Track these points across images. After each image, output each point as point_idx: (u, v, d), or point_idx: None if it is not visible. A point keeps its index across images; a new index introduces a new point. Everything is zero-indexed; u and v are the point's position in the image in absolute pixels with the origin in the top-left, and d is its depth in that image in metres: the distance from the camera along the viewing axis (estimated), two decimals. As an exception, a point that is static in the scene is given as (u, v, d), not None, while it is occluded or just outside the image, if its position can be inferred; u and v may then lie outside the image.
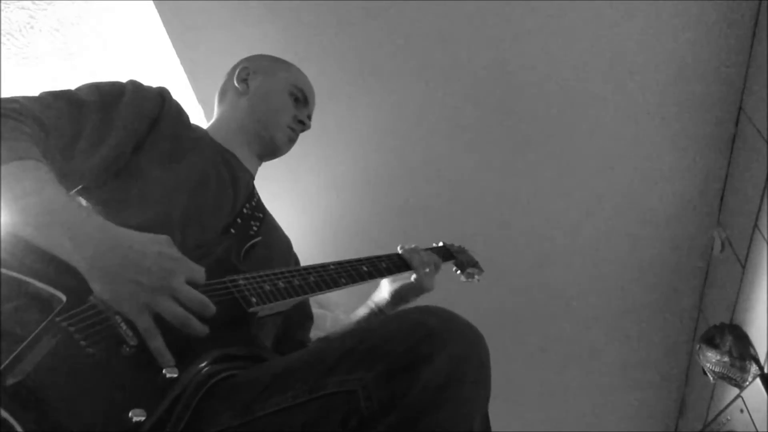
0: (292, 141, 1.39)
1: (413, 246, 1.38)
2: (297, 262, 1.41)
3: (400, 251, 1.34)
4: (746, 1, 1.91)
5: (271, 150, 1.36)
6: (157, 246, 0.84)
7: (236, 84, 1.37)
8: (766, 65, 1.92)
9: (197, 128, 1.28)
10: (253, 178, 1.34)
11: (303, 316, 1.38)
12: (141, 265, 0.80)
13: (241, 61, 1.43)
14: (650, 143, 2.27)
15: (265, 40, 1.98)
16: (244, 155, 1.31)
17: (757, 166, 2.04)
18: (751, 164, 2.11)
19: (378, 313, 1.37)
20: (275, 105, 1.34)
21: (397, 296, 1.35)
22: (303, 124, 1.38)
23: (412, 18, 1.99)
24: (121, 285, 0.78)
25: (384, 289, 1.38)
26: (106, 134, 1.05)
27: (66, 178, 1.00)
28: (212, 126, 1.36)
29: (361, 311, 1.39)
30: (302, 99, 1.38)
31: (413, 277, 1.33)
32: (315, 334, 1.44)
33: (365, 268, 1.20)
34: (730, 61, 2.04)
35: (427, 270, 1.34)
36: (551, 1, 1.94)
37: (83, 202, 1.03)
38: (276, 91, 1.35)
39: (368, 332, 0.81)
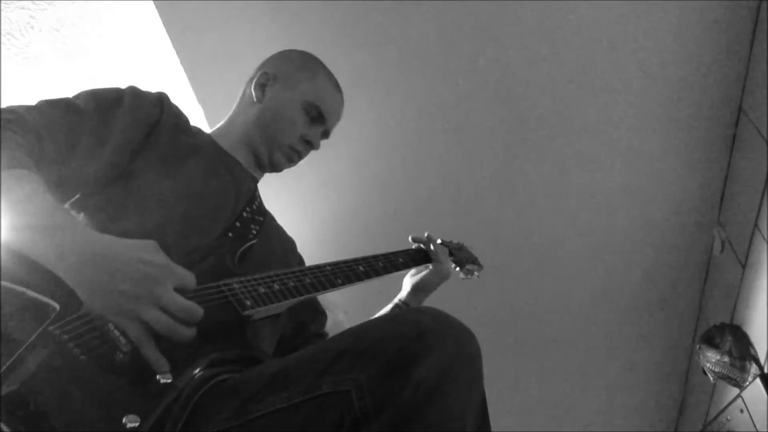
0: (292, 161, 1.33)
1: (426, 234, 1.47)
2: (301, 262, 1.40)
3: (413, 243, 1.42)
4: (746, 0, 1.91)
5: (269, 167, 1.33)
6: (141, 253, 0.83)
7: (252, 90, 1.32)
8: (766, 65, 1.92)
9: (199, 132, 1.27)
10: (256, 182, 1.33)
11: (315, 313, 1.39)
12: (124, 274, 0.79)
13: (269, 61, 1.37)
14: (650, 143, 2.27)
15: (266, 41, 1.99)
16: (246, 161, 1.30)
17: (757, 166, 2.04)
18: (751, 164, 2.11)
19: (402, 307, 1.40)
20: (283, 122, 1.28)
21: (418, 287, 1.40)
22: (310, 145, 1.33)
23: (414, 18, 1.99)
24: (106, 295, 0.78)
25: (406, 283, 1.44)
26: (104, 142, 1.05)
27: (63, 186, 1.01)
28: (220, 128, 1.34)
29: (387, 308, 1.43)
30: (317, 117, 1.31)
31: (431, 265, 1.39)
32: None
33: (362, 268, 1.20)
34: (730, 61, 2.04)
35: (442, 257, 1.41)
36: (553, 1, 1.94)
37: (79, 210, 1.03)
38: (288, 107, 1.28)
39: (362, 332, 0.81)
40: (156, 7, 1.92)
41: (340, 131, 2.21)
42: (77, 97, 1.08)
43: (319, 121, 1.32)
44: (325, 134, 1.37)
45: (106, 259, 0.80)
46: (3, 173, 0.84)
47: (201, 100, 2.12)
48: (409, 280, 1.43)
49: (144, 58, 2.04)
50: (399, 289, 1.48)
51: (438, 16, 1.98)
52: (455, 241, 1.63)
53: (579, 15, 1.98)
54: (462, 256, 1.58)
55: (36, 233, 0.81)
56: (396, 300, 1.43)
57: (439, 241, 1.56)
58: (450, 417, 0.73)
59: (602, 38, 2.03)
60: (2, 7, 1.68)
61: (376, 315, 1.39)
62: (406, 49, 2.07)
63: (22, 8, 1.71)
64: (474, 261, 1.60)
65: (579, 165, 2.34)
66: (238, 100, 1.37)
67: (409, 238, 1.47)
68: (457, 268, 1.57)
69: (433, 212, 2.47)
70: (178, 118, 1.21)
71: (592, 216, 2.48)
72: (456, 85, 2.15)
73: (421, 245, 1.45)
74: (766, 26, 1.90)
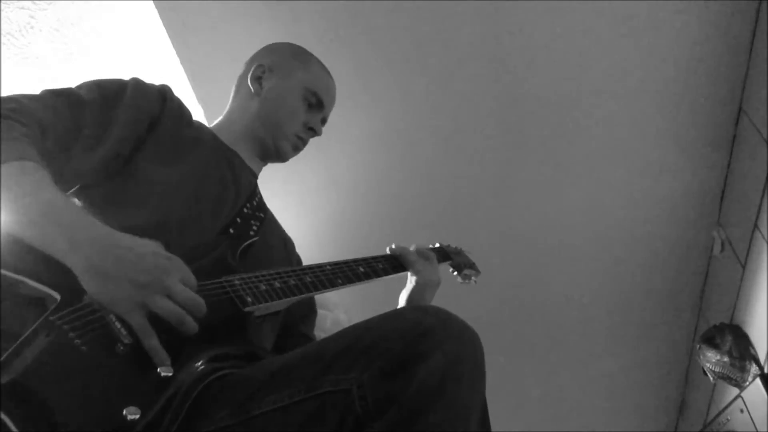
0: (297, 149, 1.35)
1: (403, 245, 1.39)
2: (299, 262, 1.40)
3: (388, 252, 1.35)
4: (746, 1, 1.91)
5: (275, 157, 1.34)
6: (151, 247, 0.84)
7: (249, 84, 1.33)
8: (766, 65, 1.92)
9: (200, 126, 1.27)
10: (256, 178, 1.33)
11: (307, 310, 1.38)
12: (136, 265, 0.79)
13: (260, 54, 1.39)
14: (650, 143, 2.27)
15: (266, 40, 1.97)
16: (248, 155, 1.30)
17: (757, 166, 2.04)
18: (751, 164, 2.11)
19: None
20: (285, 112, 1.30)
21: (411, 303, 1.36)
22: (313, 131, 1.35)
23: (413, 17, 1.99)
24: (116, 284, 0.78)
25: (401, 301, 1.39)
26: (106, 134, 1.05)
27: (63, 177, 1.00)
28: (219, 123, 1.34)
29: None
30: (316, 104, 1.33)
31: (414, 277, 1.35)
32: (317, 334, 1.44)
33: (362, 269, 1.20)
34: (730, 61, 2.04)
35: (424, 262, 1.35)
36: (552, 1, 1.94)
37: (78, 202, 1.03)
38: (288, 97, 1.30)
39: (365, 331, 0.81)
40: (156, 7, 1.91)
41: (339, 132, 2.23)
42: (80, 87, 1.07)
43: (317, 107, 1.34)
44: (323, 120, 1.39)
45: (117, 250, 0.80)
46: (9, 165, 0.83)
47: (201, 100, 2.12)
48: (404, 298, 1.38)
49: (144, 58, 2.04)
50: (400, 289, 1.48)
51: (437, 16, 1.98)
52: (453, 246, 1.63)
53: (578, 15, 1.98)
54: (460, 260, 1.58)
55: (47, 224, 0.81)
56: None
57: (437, 245, 1.56)
58: (453, 417, 0.72)
59: (601, 38, 2.03)
60: (2, 7, 1.68)
61: None
62: (406, 50, 2.07)
63: (22, 8, 1.71)
64: (472, 266, 1.60)
65: (578, 165, 2.34)
66: (232, 95, 1.38)
67: (387, 249, 1.38)
68: (455, 273, 1.57)
69: (433, 213, 2.47)
70: (180, 110, 1.20)
71: (592, 216, 2.47)
72: (455, 85, 2.15)
73: (395, 254, 1.36)
74: (766, 26, 1.90)
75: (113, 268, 0.79)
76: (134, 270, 0.79)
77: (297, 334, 1.32)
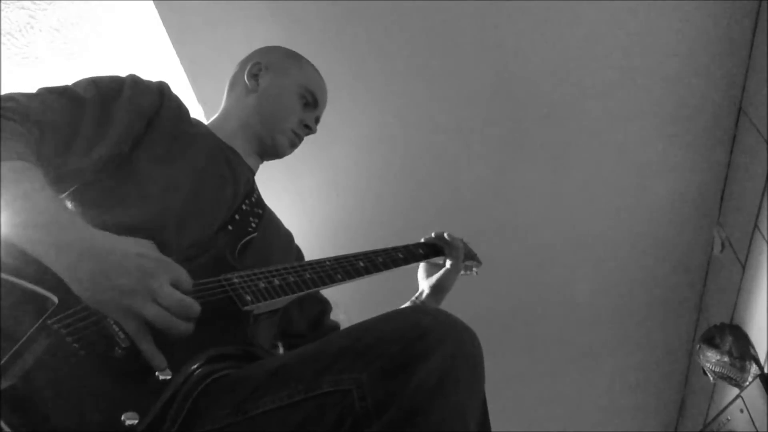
0: (293, 146, 1.36)
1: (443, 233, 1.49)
2: (299, 255, 1.41)
3: (446, 236, 1.46)
4: (746, 1, 1.91)
5: (272, 153, 1.35)
6: (138, 248, 0.82)
7: (246, 80, 1.34)
8: (766, 65, 1.92)
9: (198, 123, 1.27)
10: (254, 174, 1.33)
11: (323, 305, 1.39)
12: (120, 268, 0.77)
13: (254, 54, 1.40)
14: (650, 143, 2.27)
15: (265, 40, 1.96)
16: (245, 152, 1.30)
17: (757, 166, 2.04)
18: (751, 164, 2.11)
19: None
20: (282, 108, 1.31)
21: (439, 287, 1.42)
22: (308, 129, 1.36)
23: (414, 17, 1.99)
24: (102, 289, 0.76)
25: (422, 284, 1.46)
26: (104, 132, 1.04)
27: (62, 177, 0.99)
28: (216, 120, 1.34)
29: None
30: (312, 102, 1.35)
31: (448, 262, 1.43)
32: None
33: (361, 264, 1.20)
34: (730, 61, 2.04)
35: (459, 256, 1.44)
36: (552, 1, 1.94)
37: (77, 201, 1.02)
38: (285, 93, 1.32)
39: (364, 331, 0.81)
40: (156, 7, 1.91)
41: (338, 132, 2.23)
42: (77, 84, 1.06)
43: (313, 105, 1.36)
44: (317, 120, 1.40)
45: (102, 254, 0.78)
46: (4, 165, 0.82)
47: (201, 100, 2.12)
48: (426, 281, 1.45)
49: (144, 58, 2.04)
50: (399, 287, 1.48)
51: (436, 16, 1.98)
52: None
53: (578, 15, 1.98)
54: None
55: (34, 230, 0.80)
56: (414, 299, 1.44)
57: (445, 234, 1.56)
58: (452, 417, 0.72)
59: (602, 38, 2.03)
60: (2, 7, 1.68)
61: None
62: (404, 50, 2.07)
63: (22, 8, 1.71)
64: (473, 257, 1.60)
65: (578, 164, 2.34)
66: (226, 94, 1.39)
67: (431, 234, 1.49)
68: None
69: (432, 212, 2.47)
70: (179, 107, 1.20)
71: (592, 216, 2.47)
72: (454, 85, 2.15)
73: (436, 240, 1.47)
74: (766, 26, 1.90)
75: (97, 273, 0.77)
76: (118, 274, 0.77)
77: (327, 326, 1.35)
